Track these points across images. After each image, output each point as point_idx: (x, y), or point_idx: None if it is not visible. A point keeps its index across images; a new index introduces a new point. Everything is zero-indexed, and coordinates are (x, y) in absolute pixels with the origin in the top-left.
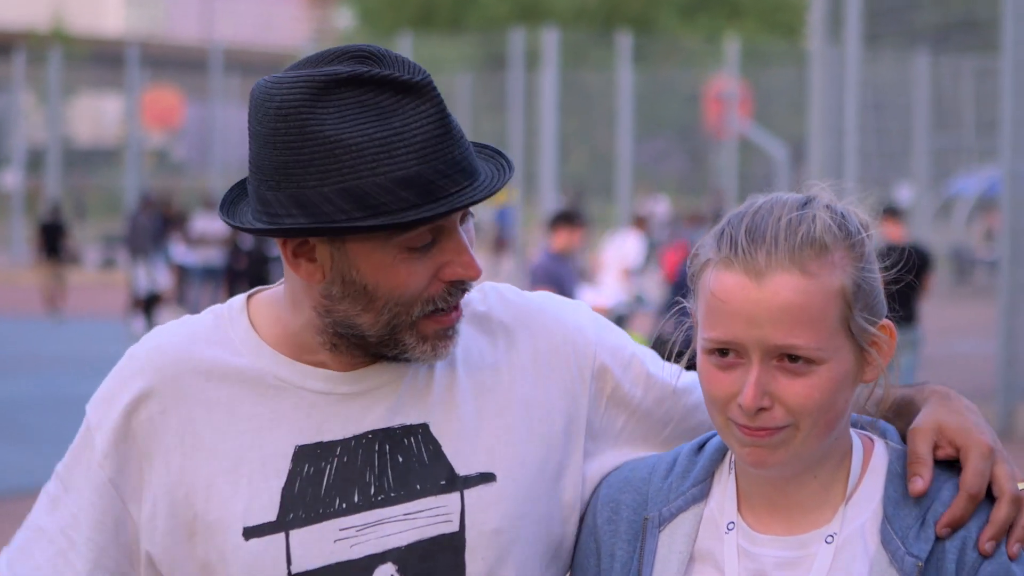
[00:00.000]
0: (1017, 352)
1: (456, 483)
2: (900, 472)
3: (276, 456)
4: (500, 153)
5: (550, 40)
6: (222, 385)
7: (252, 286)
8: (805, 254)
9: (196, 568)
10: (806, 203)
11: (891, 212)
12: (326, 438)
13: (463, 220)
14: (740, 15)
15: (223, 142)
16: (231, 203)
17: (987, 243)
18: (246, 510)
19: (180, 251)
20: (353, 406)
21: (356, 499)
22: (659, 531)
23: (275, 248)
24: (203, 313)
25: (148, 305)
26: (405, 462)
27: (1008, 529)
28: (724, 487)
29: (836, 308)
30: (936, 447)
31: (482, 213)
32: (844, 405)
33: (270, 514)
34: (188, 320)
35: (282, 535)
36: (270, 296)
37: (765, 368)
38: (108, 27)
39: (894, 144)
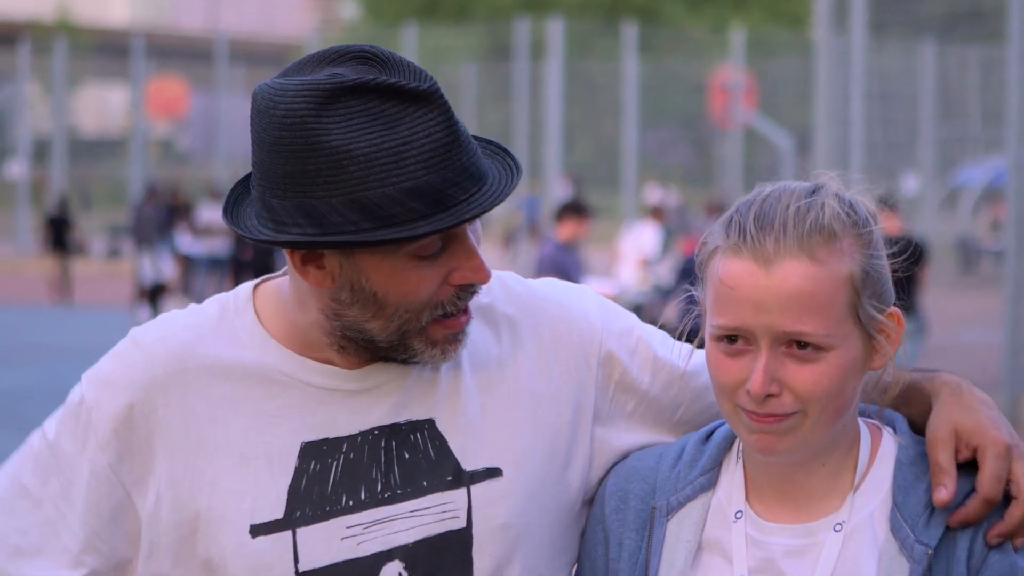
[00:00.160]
0: (1023, 342)
1: (463, 479)
2: (909, 460)
3: (282, 453)
4: (506, 151)
5: (555, 30)
6: (227, 380)
7: (257, 276)
8: (814, 241)
9: (197, 564)
10: (814, 191)
11: (886, 204)
12: (332, 434)
13: (470, 221)
14: (745, 5)
15: (228, 132)
16: (235, 203)
17: (993, 233)
18: (253, 508)
19: (185, 241)
20: (359, 402)
21: (363, 496)
22: (667, 520)
23: None
24: (209, 302)
25: (153, 295)
26: (411, 458)
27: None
28: (732, 476)
29: (844, 295)
30: (955, 451)
31: (506, 202)
32: (852, 392)
33: (277, 512)
34: (193, 310)
35: (289, 533)
36: (276, 288)
37: (774, 355)
38: (113, 17)
39: (900, 134)
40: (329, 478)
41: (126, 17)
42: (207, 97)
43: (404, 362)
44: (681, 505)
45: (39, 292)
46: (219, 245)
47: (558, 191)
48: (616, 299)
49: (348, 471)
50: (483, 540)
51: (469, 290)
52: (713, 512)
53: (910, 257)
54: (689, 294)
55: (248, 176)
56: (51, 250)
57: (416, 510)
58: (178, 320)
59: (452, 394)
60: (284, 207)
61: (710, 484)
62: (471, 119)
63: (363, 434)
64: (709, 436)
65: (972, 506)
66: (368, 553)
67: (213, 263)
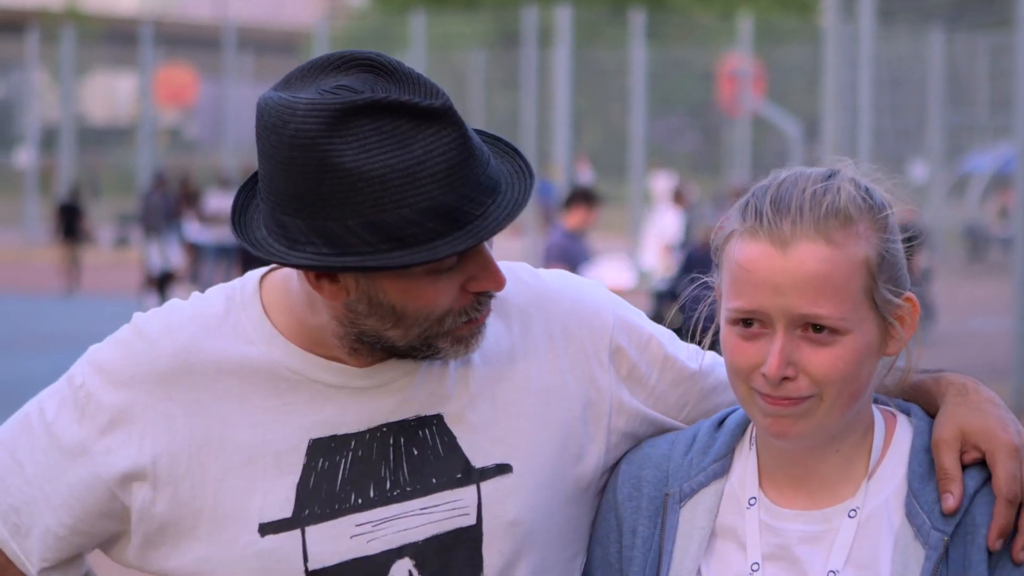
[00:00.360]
0: None
1: (472, 476)
2: (924, 447)
3: (290, 450)
4: (515, 150)
5: (563, 17)
6: (233, 377)
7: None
8: (830, 224)
9: (192, 560)
10: (830, 176)
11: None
12: (340, 431)
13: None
14: None
15: (236, 120)
16: (241, 211)
17: (1001, 220)
18: (261, 506)
19: (193, 229)
20: (367, 399)
21: (372, 494)
22: (680, 507)
23: None
24: (215, 293)
25: (161, 283)
26: (420, 455)
27: None
28: (745, 463)
29: (860, 278)
30: (961, 452)
31: None
32: (867, 377)
33: (285, 510)
34: (199, 301)
35: (298, 532)
36: (284, 281)
37: (790, 337)
38: (121, 5)
39: (908, 121)
40: (337, 476)
41: (134, 5)
42: (215, 85)
43: (419, 359)
44: (694, 492)
45: (47, 280)
46: (227, 233)
47: (579, 176)
48: (632, 289)
49: (357, 468)
50: (493, 537)
51: (487, 295)
52: (726, 499)
53: (906, 243)
54: (696, 286)
55: (253, 180)
56: (62, 238)
57: (426, 507)
58: (184, 311)
59: (461, 389)
60: (297, 225)
61: (723, 471)
62: (479, 107)
63: (371, 431)
64: (721, 423)
65: (998, 513)
66: (378, 551)
67: (221, 251)
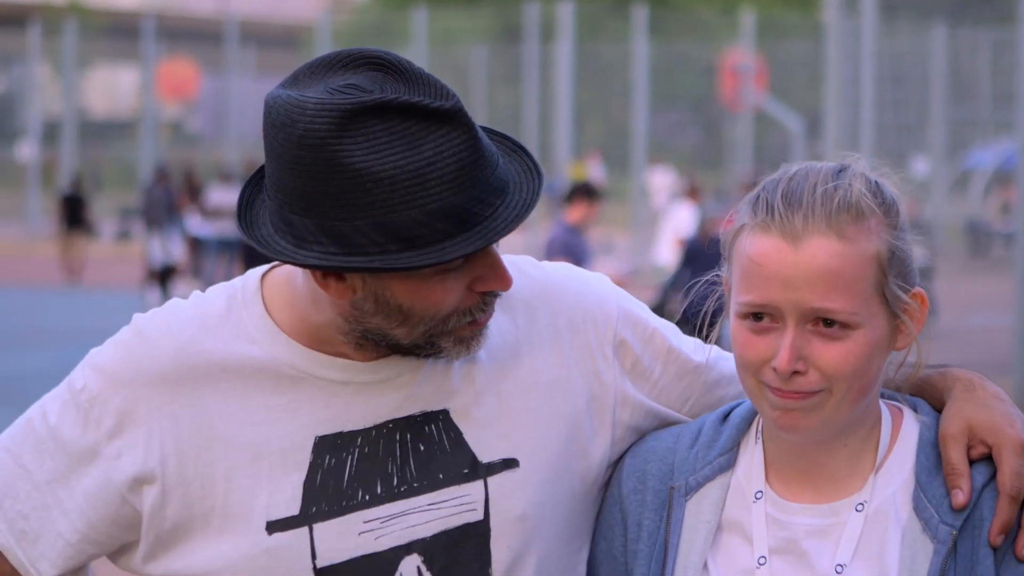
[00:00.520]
0: None
1: (479, 471)
2: (932, 441)
3: (296, 448)
4: (523, 149)
5: (566, 12)
6: (236, 376)
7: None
8: (842, 219)
9: (201, 560)
10: (841, 171)
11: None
12: (346, 428)
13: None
14: None
15: (238, 114)
16: (247, 207)
17: (1003, 216)
18: (268, 504)
19: (195, 223)
20: (372, 395)
21: (379, 490)
22: (686, 500)
23: None
24: (215, 292)
25: (163, 277)
26: (427, 451)
27: None
28: (751, 456)
29: (871, 273)
30: (968, 447)
31: None
32: (877, 372)
33: (293, 508)
34: (200, 300)
35: (306, 529)
36: (287, 279)
37: (800, 332)
38: None
39: (910, 116)
40: (344, 472)
41: None
42: (217, 79)
43: (422, 356)
44: (700, 485)
45: (49, 274)
46: (229, 227)
47: (592, 171)
48: (629, 287)
49: (363, 465)
50: (501, 532)
51: (493, 295)
52: (732, 492)
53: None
54: (703, 282)
55: (258, 174)
56: (65, 229)
57: (433, 503)
58: (185, 311)
59: (466, 384)
60: (304, 224)
61: (729, 464)
62: (481, 102)
63: (377, 427)
64: (727, 416)
65: (1000, 509)
66: (386, 547)
67: (223, 245)
